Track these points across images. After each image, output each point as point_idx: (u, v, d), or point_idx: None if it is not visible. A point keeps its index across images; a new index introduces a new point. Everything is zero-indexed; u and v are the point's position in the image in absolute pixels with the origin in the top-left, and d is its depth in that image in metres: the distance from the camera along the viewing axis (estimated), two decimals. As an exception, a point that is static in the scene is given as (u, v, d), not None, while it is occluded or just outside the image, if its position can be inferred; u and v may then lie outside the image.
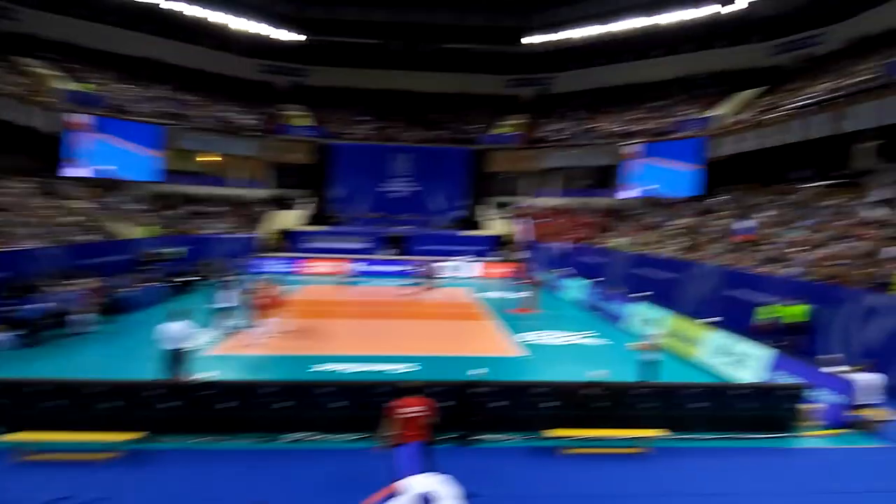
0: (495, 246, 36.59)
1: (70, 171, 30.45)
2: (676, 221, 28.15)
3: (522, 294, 23.51)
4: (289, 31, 41.89)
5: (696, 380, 13.27)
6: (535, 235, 34.77)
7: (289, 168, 41.70)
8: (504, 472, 8.66)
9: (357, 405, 9.85)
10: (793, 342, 14.38)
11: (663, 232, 27.90)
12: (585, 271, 27.91)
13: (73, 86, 32.44)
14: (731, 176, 28.73)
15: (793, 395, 10.64)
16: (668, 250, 24.71)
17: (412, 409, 7.94)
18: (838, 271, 15.96)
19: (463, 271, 27.39)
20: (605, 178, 39.15)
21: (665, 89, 39.20)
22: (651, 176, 33.48)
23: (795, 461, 9.82)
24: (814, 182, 23.60)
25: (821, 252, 17.71)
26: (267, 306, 16.98)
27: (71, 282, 19.23)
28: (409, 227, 38.34)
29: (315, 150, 40.27)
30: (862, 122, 21.57)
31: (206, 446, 9.35)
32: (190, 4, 37.22)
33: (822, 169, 24.40)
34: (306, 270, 33.32)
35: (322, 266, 33.44)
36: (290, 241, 36.23)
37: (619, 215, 35.30)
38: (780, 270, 17.94)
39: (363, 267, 31.17)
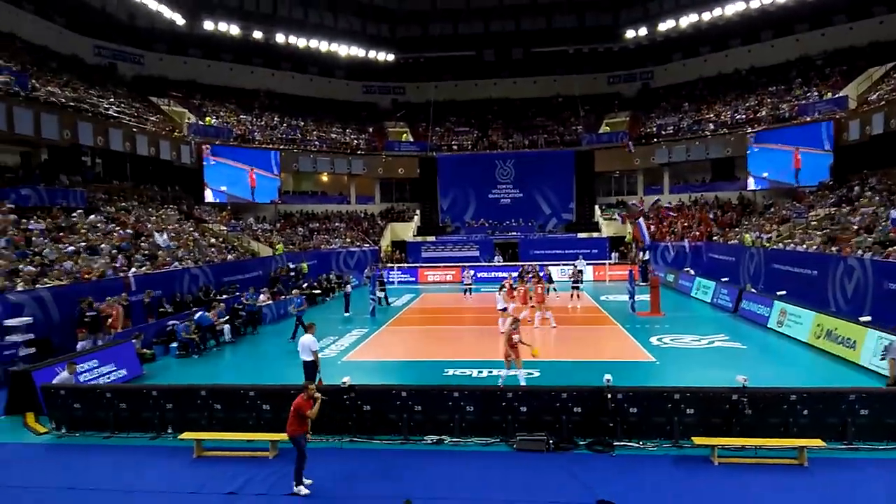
0: (610, 248, 35.67)
1: (206, 197, 33.35)
2: (811, 212, 26.07)
3: (643, 296, 22.76)
4: (386, 52, 43.42)
5: (854, 384, 12.12)
6: (650, 235, 33.55)
7: (397, 182, 43.25)
8: (649, 482, 8.28)
9: (486, 410, 9.95)
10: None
11: (795, 224, 25.94)
12: (710, 270, 26.56)
13: (200, 120, 35.44)
14: (867, 160, 26.20)
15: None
16: (804, 243, 22.90)
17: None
18: None
19: (577, 275, 26.81)
20: (723, 170, 37.21)
21: (781, 72, 36.68)
22: (775, 165, 31.22)
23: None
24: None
25: None
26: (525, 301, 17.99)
27: (214, 297, 20.93)
28: (517, 233, 38.30)
29: (419, 164, 41.27)
30: None
31: (351, 446, 9.81)
32: (296, 37, 39.54)
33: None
34: (426, 279, 34.16)
35: (439, 274, 34.19)
36: (406, 252, 37.30)
37: (744, 209, 33.29)
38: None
39: (479, 274, 31.45)
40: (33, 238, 19.09)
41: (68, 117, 24.65)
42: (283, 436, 9.57)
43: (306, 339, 12.09)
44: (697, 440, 9.17)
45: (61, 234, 20.46)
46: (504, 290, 20.21)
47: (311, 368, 11.95)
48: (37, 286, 16.09)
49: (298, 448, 8.17)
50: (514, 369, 12.13)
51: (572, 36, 42.53)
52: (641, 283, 26.98)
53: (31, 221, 20.13)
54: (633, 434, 9.63)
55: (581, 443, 9.54)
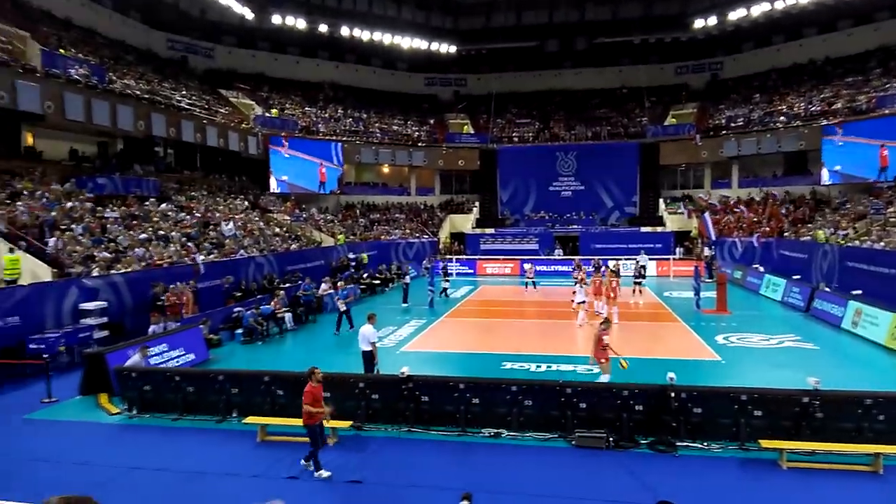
0: (675, 243, 34.59)
1: (271, 188, 34.34)
2: (889, 208, 24.50)
3: (708, 293, 21.97)
4: (448, 43, 43.34)
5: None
6: (717, 230, 32.33)
7: (457, 174, 43.25)
8: (713, 484, 8.00)
9: (544, 405, 9.81)
10: None
11: (873, 220, 24.44)
12: (780, 267, 25.39)
13: (267, 112, 36.41)
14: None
15: None
16: (882, 241, 21.55)
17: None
18: None
19: (640, 270, 26.16)
20: (795, 164, 35.43)
21: (859, 63, 34.57)
22: (852, 159, 29.42)
23: None
24: None
25: None
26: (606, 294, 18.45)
27: (278, 286, 21.51)
28: (578, 226, 37.67)
29: (480, 156, 41.09)
30: None
31: (408, 436, 9.87)
32: (360, 30, 40.01)
33: None
34: (484, 271, 34.10)
35: (498, 267, 34.05)
36: (464, 243, 37.30)
37: (817, 204, 31.63)
38: None
39: (538, 267, 31.11)
40: (108, 225, 20.07)
41: (143, 109, 25.76)
42: (345, 423, 9.80)
43: (365, 330, 12.20)
44: (765, 443, 8.80)
45: (134, 221, 21.43)
46: (586, 283, 19.92)
47: (369, 358, 12.09)
48: (111, 272, 16.90)
49: (313, 436, 8.28)
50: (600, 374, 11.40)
51: (639, 26, 41.22)
52: (707, 280, 26.05)
53: (107, 209, 21.16)
54: (696, 435, 9.32)
55: (642, 442, 9.29)
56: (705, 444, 9.18)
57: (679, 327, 18.67)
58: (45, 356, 12.66)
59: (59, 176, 22.18)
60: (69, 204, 19.85)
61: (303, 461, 8.50)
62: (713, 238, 29.82)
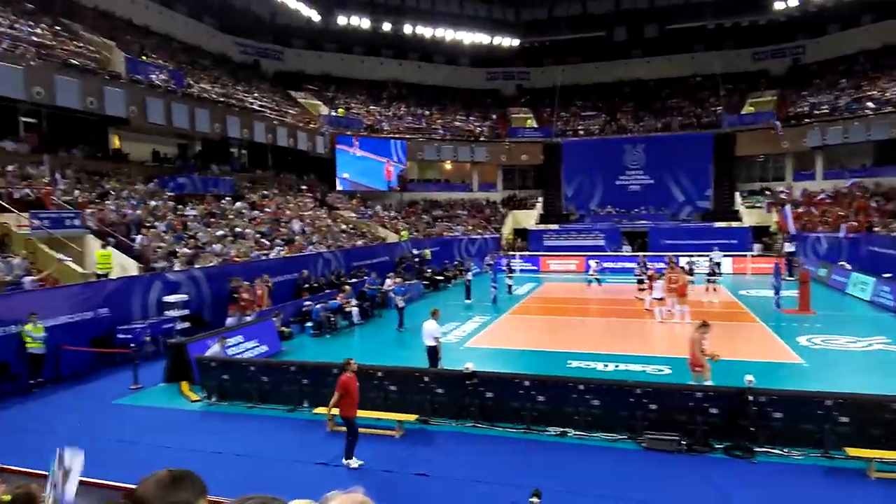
0: (752, 238, 33.04)
1: (337, 185, 35.15)
2: None
3: (789, 292, 20.91)
4: (510, 37, 42.98)
5: None
6: (799, 224, 30.69)
7: (520, 169, 42.90)
8: (794, 493, 7.59)
9: (612, 405, 9.60)
10: None
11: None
12: (869, 265, 23.85)
13: (333, 111, 37.24)
14: None
15: None
16: None
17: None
18: None
19: (714, 267, 25.21)
20: (887, 153, 33.13)
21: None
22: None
23: None
24: None
25: None
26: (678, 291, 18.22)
27: (345, 281, 21.98)
28: (647, 221, 36.60)
29: (543, 150, 40.54)
30: None
31: (472, 431, 9.87)
32: (422, 27, 40.27)
33: None
34: (548, 268, 33.71)
35: (562, 263, 33.59)
36: (528, 239, 36.98)
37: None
38: None
39: (605, 264, 30.51)
40: (188, 223, 21.07)
41: (219, 112, 26.85)
42: (411, 416, 9.92)
43: (430, 325, 12.28)
44: (852, 451, 8.26)
45: (212, 219, 22.40)
46: (663, 279, 19.41)
47: (433, 353, 12.18)
48: (191, 266, 17.73)
49: (350, 427, 8.39)
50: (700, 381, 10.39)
51: (713, 9, 39.38)
52: (788, 278, 24.81)
53: (187, 207, 22.23)
54: (776, 441, 8.85)
55: (717, 446, 8.92)
56: (786, 450, 8.71)
57: (757, 328, 17.86)
58: (132, 345, 13.44)
59: (144, 176, 23.46)
60: (153, 203, 20.96)
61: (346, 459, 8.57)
62: (792, 232, 28.32)
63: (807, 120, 35.09)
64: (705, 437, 9.01)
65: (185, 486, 1.55)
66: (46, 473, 2.43)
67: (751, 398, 8.90)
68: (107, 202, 19.41)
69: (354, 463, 8.45)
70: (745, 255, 31.25)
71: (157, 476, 1.57)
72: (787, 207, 29.26)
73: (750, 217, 34.79)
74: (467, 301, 23.13)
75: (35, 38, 20.87)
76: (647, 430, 9.18)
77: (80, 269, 15.83)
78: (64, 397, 12.08)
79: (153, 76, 24.21)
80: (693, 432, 9.03)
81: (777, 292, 20.54)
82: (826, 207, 31.60)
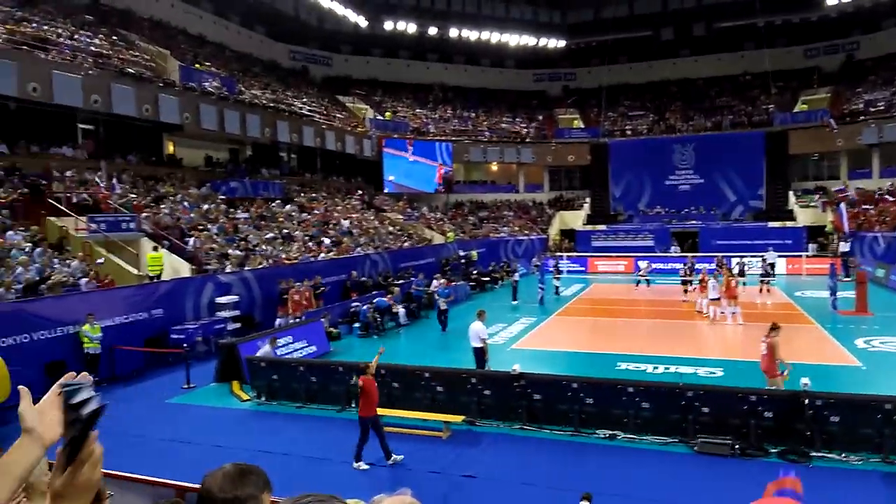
0: (807, 238, 31.89)
1: (385, 188, 35.58)
2: None
3: (846, 293, 20.11)
4: (556, 38, 42.72)
5: None
6: (855, 224, 29.46)
7: (566, 170, 42.55)
8: (852, 498, 7.36)
9: (663, 408, 9.43)
10: None
11: None
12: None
13: (380, 115, 37.73)
14: None
15: None
16: None
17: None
18: None
19: (768, 268, 24.45)
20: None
21: None
22: None
23: None
24: None
25: None
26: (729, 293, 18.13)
27: (392, 282, 22.22)
28: (698, 221, 35.73)
29: (590, 150, 40.07)
30: None
31: (520, 433, 9.85)
32: (468, 30, 40.41)
33: None
34: (595, 269, 33.29)
35: (611, 264, 33.13)
36: (575, 240, 36.61)
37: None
38: None
39: (654, 265, 29.91)
40: (239, 225, 21.67)
41: (269, 117, 27.54)
42: (458, 418, 9.97)
43: (476, 326, 12.29)
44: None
45: (262, 221, 22.99)
46: (720, 278, 19.04)
47: (480, 355, 12.19)
48: (242, 268, 18.22)
49: (364, 428, 8.48)
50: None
51: (763, 7, 38.25)
52: (845, 279, 23.86)
53: (238, 211, 22.86)
54: (833, 445, 8.57)
55: (772, 451, 8.68)
56: (843, 455, 8.42)
57: (813, 329, 17.25)
58: (184, 346, 13.86)
59: (197, 180, 24.24)
60: (205, 206, 21.65)
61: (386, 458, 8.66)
62: (847, 232, 27.21)
63: (862, 117, 33.78)
64: (759, 441, 8.78)
65: (250, 481, 1.64)
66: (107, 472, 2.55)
67: (807, 402, 8.64)
68: (161, 206, 20.13)
69: (363, 465, 8.54)
70: (800, 256, 30.16)
71: (224, 469, 1.67)
72: (843, 206, 28.11)
73: (804, 216, 33.59)
74: (514, 302, 23.04)
75: (93, 48, 21.74)
76: (700, 433, 9.01)
77: (134, 271, 16.37)
78: (118, 396, 12.30)
79: (206, 83, 25.02)
80: (747, 436, 8.82)
81: (833, 293, 19.79)
82: (884, 206, 30.24)
